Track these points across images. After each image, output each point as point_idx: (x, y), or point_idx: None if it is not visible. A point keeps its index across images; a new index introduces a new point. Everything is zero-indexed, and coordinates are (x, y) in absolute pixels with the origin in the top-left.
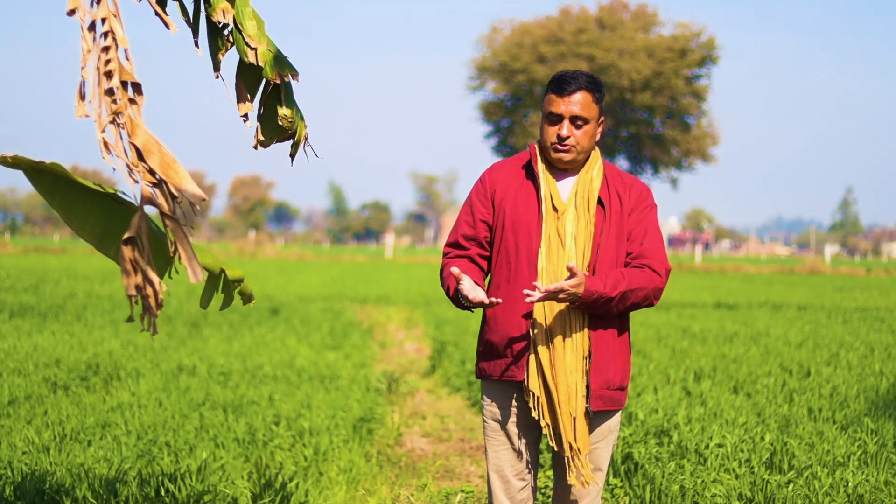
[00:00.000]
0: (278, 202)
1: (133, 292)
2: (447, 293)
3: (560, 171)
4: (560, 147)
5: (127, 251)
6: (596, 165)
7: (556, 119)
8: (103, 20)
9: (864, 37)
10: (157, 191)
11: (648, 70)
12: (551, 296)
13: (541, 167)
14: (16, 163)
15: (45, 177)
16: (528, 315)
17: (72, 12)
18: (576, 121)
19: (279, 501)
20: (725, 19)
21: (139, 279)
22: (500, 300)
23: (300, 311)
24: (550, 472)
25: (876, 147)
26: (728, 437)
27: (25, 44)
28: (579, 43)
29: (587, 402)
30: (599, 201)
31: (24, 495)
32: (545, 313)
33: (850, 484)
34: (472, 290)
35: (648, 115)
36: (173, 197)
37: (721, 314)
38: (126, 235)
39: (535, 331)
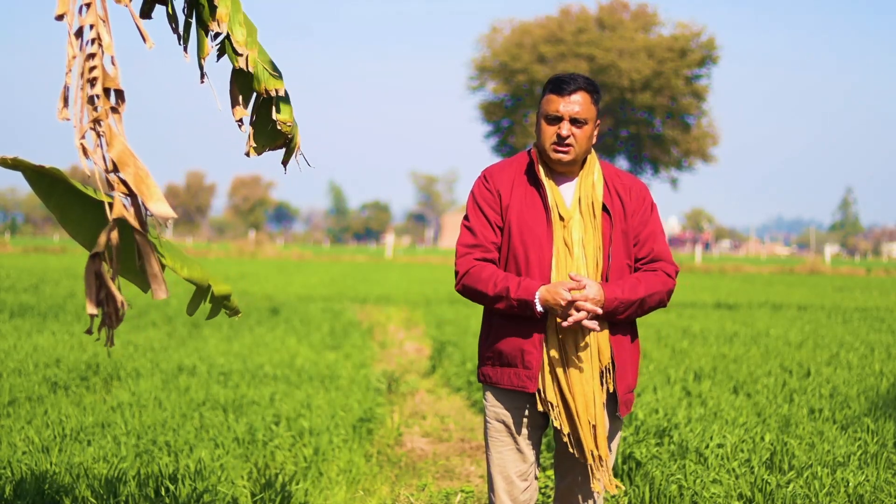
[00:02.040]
0: (278, 202)
1: (93, 311)
2: (492, 297)
3: (559, 174)
4: (559, 148)
5: (92, 265)
6: (595, 169)
7: (555, 119)
8: (91, 26)
9: (864, 37)
10: (128, 203)
11: (648, 70)
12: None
13: (544, 173)
14: (16, 165)
15: (44, 179)
16: (542, 325)
17: (60, 17)
18: (575, 121)
19: (279, 501)
20: (725, 19)
21: (102, 294)
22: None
23: (300, 311)
24: (550, 472)
25: (876, 147)
26: (728, 437)
27: (26, 44)
28: (579, 43)
29: (617, 410)
30: (604, 208)
31: (24, 495)
32: (558, 323)
33: (850, 484)
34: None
35: (648, 115)
36: (144, 210)
37: (721, 314)
38: (93, 251)
39: (549, 341)
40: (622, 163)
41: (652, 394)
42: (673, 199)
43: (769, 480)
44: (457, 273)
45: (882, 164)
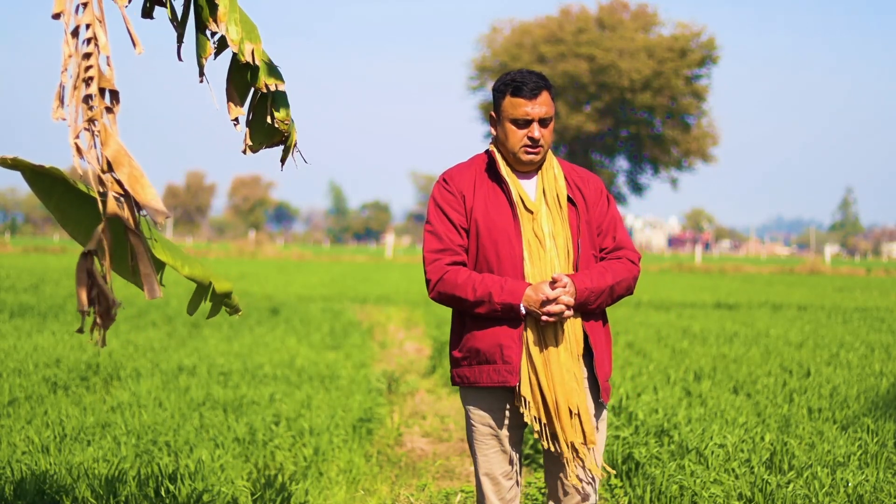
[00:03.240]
0: (278, 202)
1: (85, 307)
2: (473, 302)
3: (520, 172)
4: (532, 150)
5: (84, 263)
6: (555, 163)
7: (524, 123)
8: (87, 26)
9: (864, 37)
10: (122, 203)
11: (648, 70)
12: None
13: (506, 170)
14: (15, 165)
15: (44, 179)
16: (518, 321)
17: (57, 16)
18: (543, 121)
19: (279, 501)
20: (725, 19)
21: (93, 293)
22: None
23: (300, 311)
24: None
25: (876, 147)
26: (728, 437)
27: (26, 44)
28: (579, 43)
29: (599, 396)
30: (569, 199)
31: (24, 495)
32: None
33: (850, 484)
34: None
35: (648, 115)
36: (138, 210)
37: (721, 314)
38: (86, 248)
39: (527, 333)
40: (622, 163)
41: (652, 394)
42: (673, 199)
43: (769, 480)
44: (429, 282)
45: (882, 164)
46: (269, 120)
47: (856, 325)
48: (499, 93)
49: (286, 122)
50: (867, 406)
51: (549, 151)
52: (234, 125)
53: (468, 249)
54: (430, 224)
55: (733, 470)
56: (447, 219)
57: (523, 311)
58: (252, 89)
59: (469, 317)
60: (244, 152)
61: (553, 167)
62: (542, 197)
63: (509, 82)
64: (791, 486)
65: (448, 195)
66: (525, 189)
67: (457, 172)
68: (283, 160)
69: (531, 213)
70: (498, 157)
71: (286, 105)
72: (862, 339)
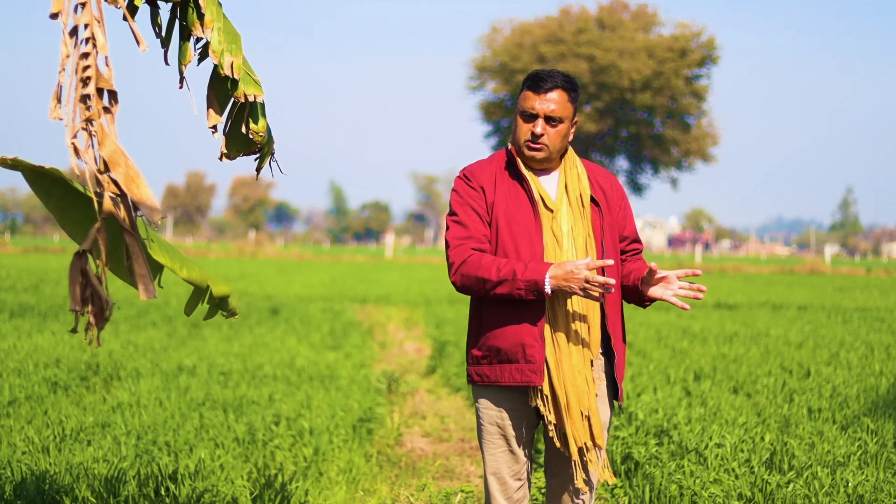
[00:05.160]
0: (278, 202)
1: (77, 307)
2: (496, 282)
3: (539, 169)
4: (533, 145)
5: (78, 262)
6: (578, 163)
7: (530, 117)
8: (86, 26)
9: (864, 37)
10: (118, 203)
11: (648, 70)
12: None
13: (524, 168)
14: (15, 165)
15: (43, 180)
16: (539, 317)
17: (55, 15)
18: (550, 119)
19: (279, 501)
20: (725, 19)
21: (87, 292)
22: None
23: (300, 311)
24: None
25: (876, 147)
26: (728, 437)
27: (26, 44)
28: (579, 43)
29: (616, 399)
30: (593, 200)
31: (24, 495)
32: (551, 316)
33: (850, 484)
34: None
35: (648, 115)
36: (134, 211)
37: (721, 314)
38: (81, 247)
39: (545, 333)
40: (622, 163)
41: (652, 394)
42: (673, 199)
43: (769, 480)
44: (452, 264)
45: (882, 164)
46: (252, 128)
47: (856, 325)
48: (521, 86)
49: (261, 133)
50: (867, 406)
51: (573, 151)
52: (212, 133)
53: (490, 241)
54: (454, 215)
55: (733, 470)
56: (472, 209)
57: (548, 289)
58: (232, 98)
59: (487, 314)
60: (220, 159)
61: (577, 166)
62: (564, 195)
63: (531, 76)
64: (791, 486)
65: (470, 189)
66: (545, 187)
67: (477, 168)
68: (258, 169)
69: (551, 211)
70: (517, 154)
71: (263, 116)
72: (862, 339)
